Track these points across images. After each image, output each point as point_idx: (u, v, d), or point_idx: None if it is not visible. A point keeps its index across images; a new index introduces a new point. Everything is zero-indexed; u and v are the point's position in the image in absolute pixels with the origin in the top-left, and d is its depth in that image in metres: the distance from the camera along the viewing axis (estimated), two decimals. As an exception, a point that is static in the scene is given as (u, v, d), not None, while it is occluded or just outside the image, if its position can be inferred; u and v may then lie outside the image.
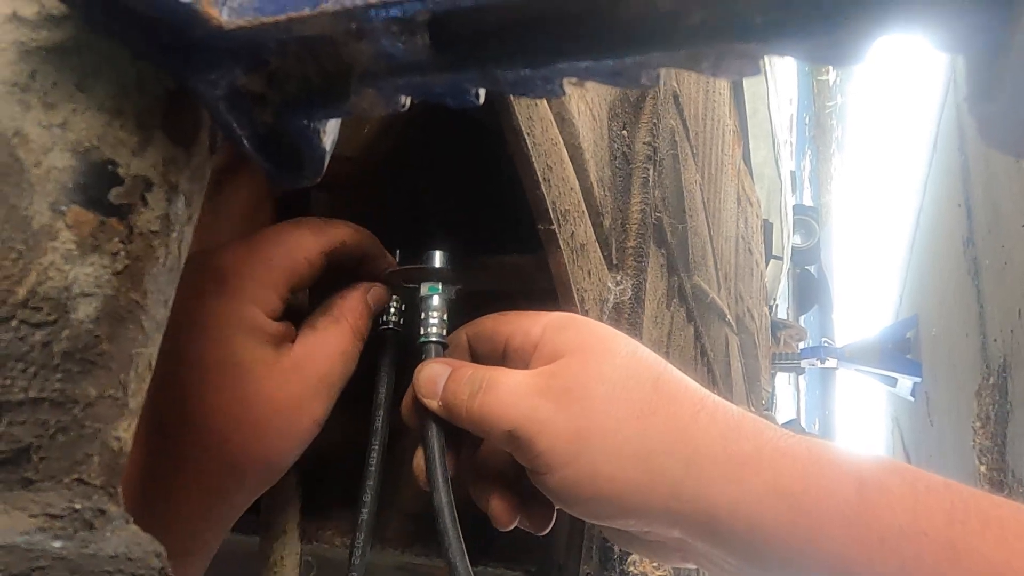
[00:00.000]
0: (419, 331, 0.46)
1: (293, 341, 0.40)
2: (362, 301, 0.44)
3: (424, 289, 0.46)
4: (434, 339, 0.45)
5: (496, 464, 0.45)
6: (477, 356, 0.46)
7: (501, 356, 0.44)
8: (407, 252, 0.48)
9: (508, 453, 0.46)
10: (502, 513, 0.43)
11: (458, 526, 0.41)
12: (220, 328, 0.36)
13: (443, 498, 0.41)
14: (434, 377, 0.43)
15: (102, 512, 0.20)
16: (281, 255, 0.39)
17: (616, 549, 0.59)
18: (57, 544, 0.18)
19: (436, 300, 0.46)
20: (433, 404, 0.42)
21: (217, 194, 0.39)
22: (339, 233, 0.43)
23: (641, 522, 0.38)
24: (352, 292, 0.44)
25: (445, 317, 0.46)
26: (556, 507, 0.45)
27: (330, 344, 0.41)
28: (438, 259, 0.46)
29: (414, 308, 0.48)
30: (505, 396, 0.39)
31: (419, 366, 0.44)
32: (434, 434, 0.43)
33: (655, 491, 0.37)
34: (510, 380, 0.40)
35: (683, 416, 0.38)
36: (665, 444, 0.37)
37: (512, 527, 0.44)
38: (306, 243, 0.40)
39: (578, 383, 0.39)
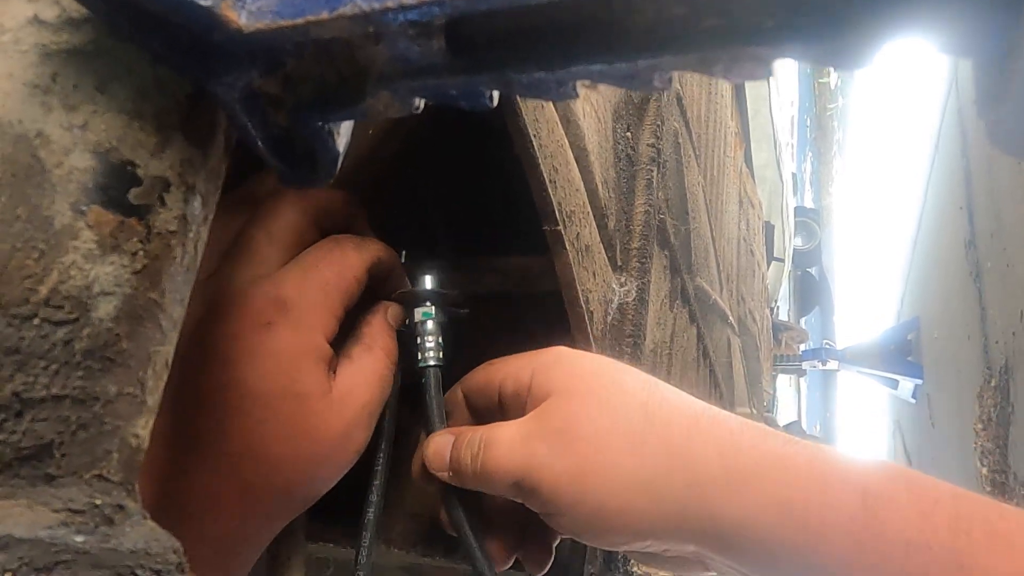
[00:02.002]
0: (417, 357, 0.46)
1: (335, 369, 0.40)
2: (386, 324, 0.44)
3: (417, 315, 0.46)
4: (432, 363, 0.46)
5: (497, 509, 0.47)
6: (475, 409, 0.47)
7: (498, 405, 0.45)
8: (413, 255, 0.48)
9: (510, 500, 0.46)
10: (498, 553, 0.45)
11: (484, 548, 0.43)
12: (288, 359, 0.37)
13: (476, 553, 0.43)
14: (440, 451, 0.44)
15: (121, 508, 0.21)
16: (335, 277, 0.39)
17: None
18: (79, 538, 0.19)
19: (430, 325, 0.46)
20: (445, 476, 0.43)
21: (268, 220, 0.40)
22: (376, 249, 0.43)
23: (657, 543, 0.39)
24: (375, 317, 0.44)
25: (440, 340, 0.47)
26: (553, 549, 0.47)
27: (368, 372, 0.41)
28: (428, 283, 0.47)
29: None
30: (503, 450, 0.40)
31: (425, 441, 0.45)
32: (456, 501, 0.44)
33: (663, 515, 0.38)
34: (505, 434, 0.41)
35: (676, 439, 0.39)
36: (663, 469, 0.38)
37: (509, 565, 0.46)
38: (352, 261, 0.41)
39: (568, 423, 0.40)
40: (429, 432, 0.45)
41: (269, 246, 0.39)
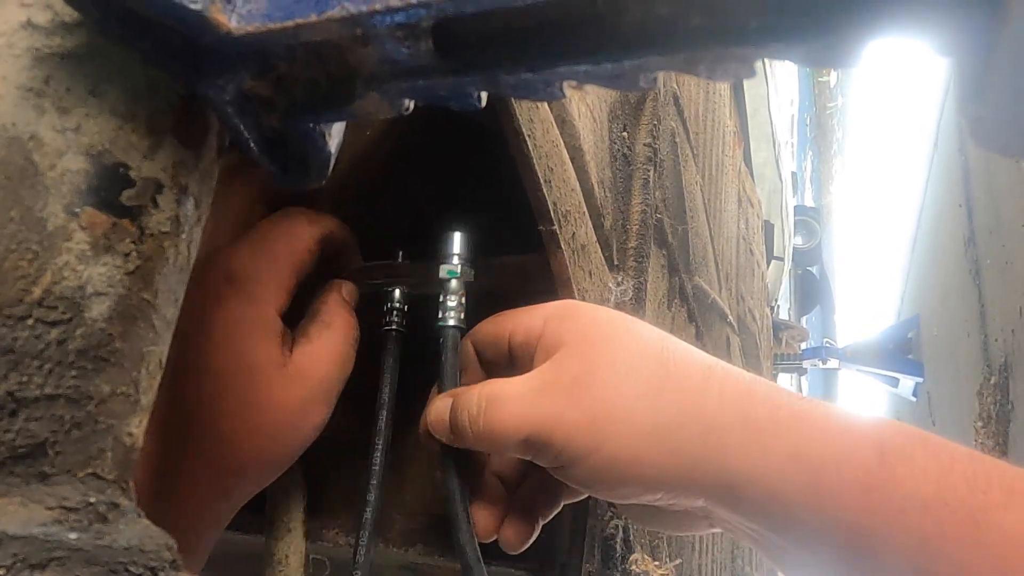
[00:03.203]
0: (437, 315, 0.45)
1: (291, 345, 0.40)
2: (343, 302, 0.44)
3: (442, 272, 0.45)
4: (451, 323, 0.45)
5: (486, 480, 0.46)
6: (485, 361, 0.46)
7: (507, 355, 0.44)
8: (408, 253, 0.49)
9: (503, 469, 0.46)
10: (483, 525, 0.44)
11: (470, 519, 0.43)
12: (238, 332, 0.37)
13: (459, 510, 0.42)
14: (442, 413, 0.42)
15: (115, 506, 0.21)
16: (286, 250, 0.40)
17: (618, 548, 0.59)
18: (73, 536, 0.19)
19: (454, 284, 0.45)
20: (446, 438, 0.42)
21: (221, 195, 0.40)
22: (328, 223, 0.43)
23: (668, 496, 0.38)
24: (330, 295, 0.44)
25: (463, 300, 0.45)
26: (537, 528, 0.46)
27: (325, 350, 0.41)
28: (457, 242, 0.46)
29: (416, 309, 0.48)
30: (511, 406, 0.39)
31: (429, 403, 0.44)
32: (452, 467, 0.43)
33: (677, 466, 0.37)
34: (513, 389, 0.40)
35: (692, 388, 0.38)
36: (679, 419, 0.37)
37: (492, 538, 0.45)
38: (304, 233, 0.41)
39: (584, 372, 0.39)
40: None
41: (218, 220, 0.39)
